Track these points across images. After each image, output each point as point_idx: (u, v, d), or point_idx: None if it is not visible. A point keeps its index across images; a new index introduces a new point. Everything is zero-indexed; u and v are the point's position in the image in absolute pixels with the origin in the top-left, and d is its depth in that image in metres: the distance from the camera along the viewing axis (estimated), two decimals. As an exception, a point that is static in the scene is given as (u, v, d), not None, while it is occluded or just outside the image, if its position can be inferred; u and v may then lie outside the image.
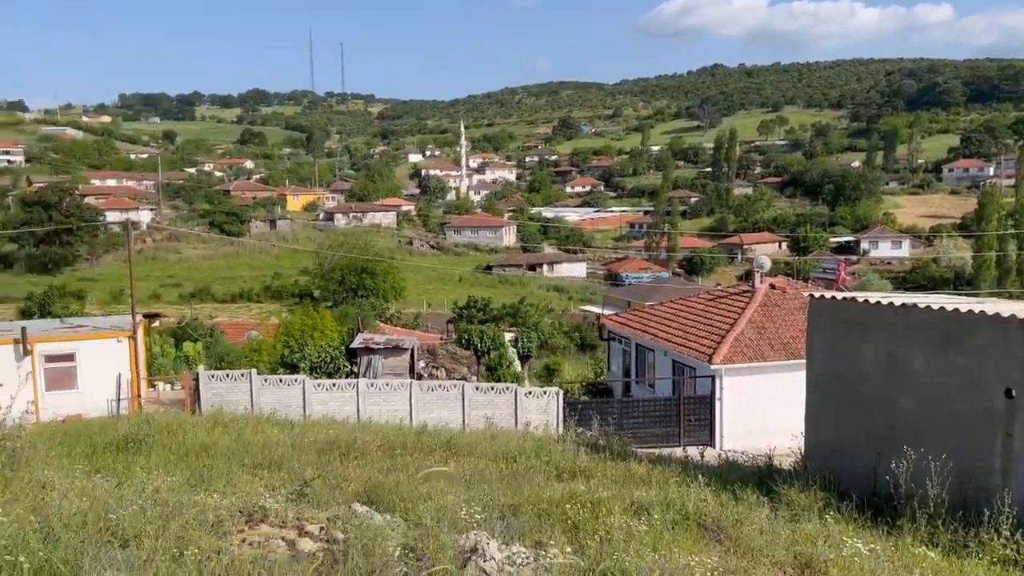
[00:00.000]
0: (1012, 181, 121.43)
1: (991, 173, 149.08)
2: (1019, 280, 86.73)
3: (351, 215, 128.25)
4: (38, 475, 6.44)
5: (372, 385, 24.89)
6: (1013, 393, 8.52)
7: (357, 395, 24.23)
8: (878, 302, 10.12)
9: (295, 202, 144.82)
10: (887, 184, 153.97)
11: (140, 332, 29.49)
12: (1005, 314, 8.69)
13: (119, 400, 26.42)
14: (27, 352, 25.85)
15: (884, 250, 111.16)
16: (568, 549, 6.28)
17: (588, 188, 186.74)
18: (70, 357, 26.77)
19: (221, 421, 14.30)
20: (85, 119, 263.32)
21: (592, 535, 6.93)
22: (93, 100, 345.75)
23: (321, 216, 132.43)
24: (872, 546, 7.48)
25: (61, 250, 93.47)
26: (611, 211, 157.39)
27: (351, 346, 32.46)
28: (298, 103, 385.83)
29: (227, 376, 25.13)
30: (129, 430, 12.36)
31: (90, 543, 4.67)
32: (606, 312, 46.39)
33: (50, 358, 26.48)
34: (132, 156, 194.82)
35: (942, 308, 9.35)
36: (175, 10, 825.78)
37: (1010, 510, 7.95)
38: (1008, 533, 7.84)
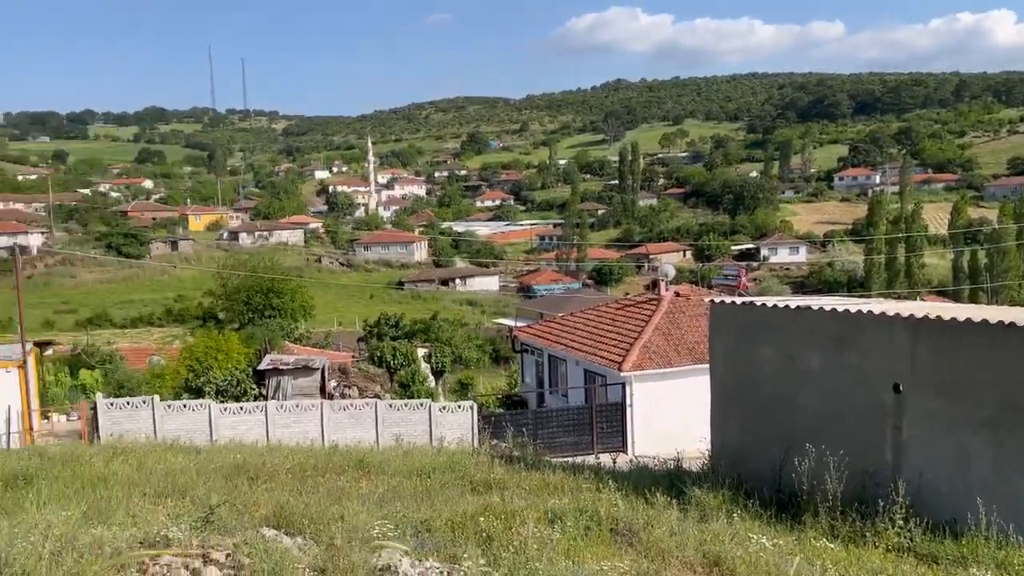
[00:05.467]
0: (897, 188, 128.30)
1: (878, 181, 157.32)
2: (907, 281, 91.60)
3: (256, 234, 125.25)
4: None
5: (281, 407, 24.30)
6: (900, 388, 8.98)
7: (266, 418, 23.60)
8: (775, 305, 10.52)
9: (197, 222, 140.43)
10: (783, 193, 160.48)
11: (31, 361, 27.98)
12: (891, 313, 9.17)
13: (9, 434, 24.96)
14: (-97, 387, 24.18)
15: (782, 256, 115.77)
16: (482, 561, 6.26)
17: (498, 202, 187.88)
18: (-48, 390, 25.15)
19: (120, 450, 13.68)
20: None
21: (506, 546, 6.92)
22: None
23: (225, 236, 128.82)
24: (776, 541, 7.73)
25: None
26: (521, 224, 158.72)
27: (259, 368, 31.62)
28: (199, 120, 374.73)
29: (127, 404, 24.07)
30: (17, 464, 11.68)
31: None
32: (519, 324, 46.66)
33: (-69, 392, 24.83)
34: (20, 177, 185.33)
35: (834, 310, 9.79)
36: (61, 26, 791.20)
37: (902, 500, 8.36)
38: (901, 522, 8.24)
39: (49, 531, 6.47)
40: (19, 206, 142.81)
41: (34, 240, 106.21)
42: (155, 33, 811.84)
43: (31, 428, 26.07)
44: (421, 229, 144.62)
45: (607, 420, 24.61)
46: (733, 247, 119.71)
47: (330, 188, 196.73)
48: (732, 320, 11.08)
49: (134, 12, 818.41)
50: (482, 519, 7.82)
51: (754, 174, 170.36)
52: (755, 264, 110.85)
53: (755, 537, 7.69)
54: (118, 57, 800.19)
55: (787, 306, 10.34)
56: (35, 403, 27.65)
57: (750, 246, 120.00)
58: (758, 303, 10.88)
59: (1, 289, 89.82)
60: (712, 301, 11.49)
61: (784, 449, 9.70)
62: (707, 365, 12.28)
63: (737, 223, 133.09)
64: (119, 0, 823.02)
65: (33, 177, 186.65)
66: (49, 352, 40.65)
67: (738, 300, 11.36)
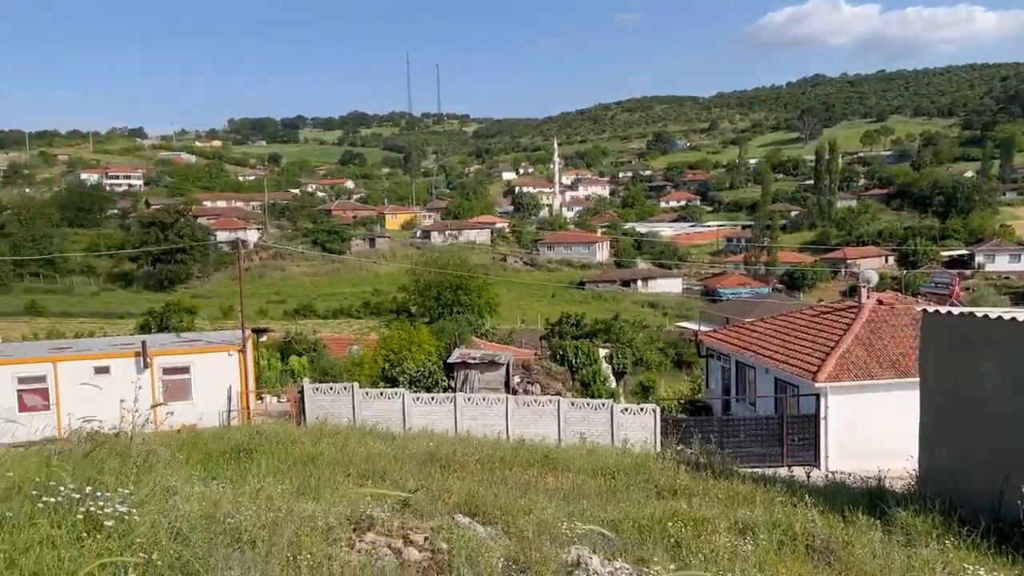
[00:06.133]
0: None
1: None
2: None
3: (447, 233, 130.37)
4: (162, 480, 6.82)
5: (469, 399, 25.18)
6: None
7: (455, 409, 24.56)
8: (999, 317, 9.62)
9: (393, 220, 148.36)
10: (1003, 195, 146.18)
11: (249, 346, 30.72)
12: None
13: (229, 411, 27.60)
14: (147, 365, 27.33)
15: (1001, 264, 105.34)
16: (672, 567, 6.20)
17: (683, 203, 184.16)
18: (185, 370, 28.17)
19: (326, 432, 14.74)
20: (198, 144, 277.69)
21: (695, 554, 6.82)
22: (205, 125, 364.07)
23: (418, 234, 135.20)
24: (996, 574, 7.10)
25: (175, 268, 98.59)
26: (707, 226, 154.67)
27: (448, 361, 32.92)
28: (396, 124, 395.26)
29: (330, 389, 25.91)
30: (241, 440, 12.88)
31: (215, 544, 4.91)
32: (703, 328, 45.52)
33: (167, 370, 27.92)
34: (240, 178, 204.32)
35: (1071, 324, 8.82)
36: (277, 37, 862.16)
37: None
38: None
39: (270, 503, 7.10)
40: (239, 204, 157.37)
41: (251, 236, 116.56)
42: (359, 42, 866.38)
43: (248, 407, 28.66)
44: (603, 230, 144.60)
45: (799, 432, 23.52)
46: (943, 253, 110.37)
47: (516, 189, 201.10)
48: (947, 332, 10.26)
49: (340, 13, 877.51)
50: (670, 524, 7.74)
51: (969, 174, 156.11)
52: (968, 272, 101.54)
53: (971, 568, 7.10)
54: (326, 66, 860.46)
55: (1013, 318, 9.43)
56: (251, 385, 30.36)
57: (963, 252, 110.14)
58: (979, 314, 10.00)
59: (224, 280, 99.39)
60: (924, 311, 10.70)
61: (1005, 474, 8.87)
62: (913, 379, 11.47)
63: (948, 227, 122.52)
64: (328, 14, 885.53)
65: (251, 178, 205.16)
66: (264, 339, 44.52)
67: (954, 310, 10.50)
